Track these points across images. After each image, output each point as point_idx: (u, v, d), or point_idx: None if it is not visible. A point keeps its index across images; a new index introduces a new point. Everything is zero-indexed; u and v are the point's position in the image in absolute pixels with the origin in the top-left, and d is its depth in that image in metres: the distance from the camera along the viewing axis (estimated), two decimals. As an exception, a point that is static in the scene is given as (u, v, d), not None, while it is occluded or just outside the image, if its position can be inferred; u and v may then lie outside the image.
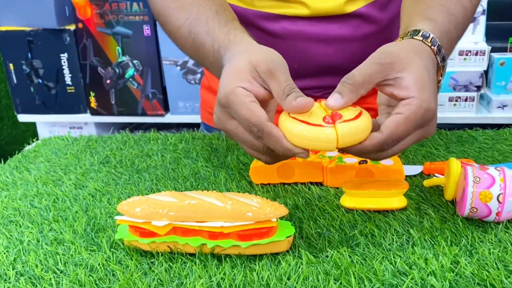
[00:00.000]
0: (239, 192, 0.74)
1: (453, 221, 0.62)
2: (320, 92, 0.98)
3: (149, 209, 0.58)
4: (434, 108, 0.58)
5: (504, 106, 1.86)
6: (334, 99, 0.57)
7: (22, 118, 2.16)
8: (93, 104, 2.05)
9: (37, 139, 1.07)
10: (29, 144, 1.06)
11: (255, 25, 0.90)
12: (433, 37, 0.62)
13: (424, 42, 0.62)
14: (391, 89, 0.58)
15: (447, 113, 1.90)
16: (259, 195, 0.72)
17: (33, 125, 2.35)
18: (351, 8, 0.85)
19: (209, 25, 0.69)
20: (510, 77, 1.84)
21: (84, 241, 0.62)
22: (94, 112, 2.07)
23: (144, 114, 2.04)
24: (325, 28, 0.87)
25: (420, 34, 0.62)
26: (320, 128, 0.55)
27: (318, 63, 0.91)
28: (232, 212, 0.56)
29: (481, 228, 0.60)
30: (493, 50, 1.84)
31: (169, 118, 2.04)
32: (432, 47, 0.62)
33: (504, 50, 1.89)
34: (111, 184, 0.79)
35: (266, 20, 0.88)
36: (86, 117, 2.10)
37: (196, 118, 1.97)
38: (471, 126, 1.87)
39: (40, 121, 2.20)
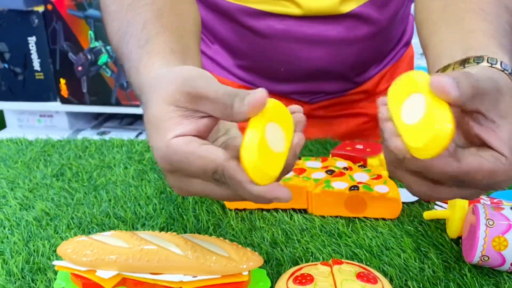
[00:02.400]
0: (209, 220, 0.63)
1: (459, 269, 0.53)
2: (308, 97, 0.88)
3: (94, 255, 0.47)
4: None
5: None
6: (450, 84, 0.39)
7: (-12, 105, 2.03)
8: (64, 92, 1.92)
9: (5, 127, 0.95)
10: None
11: (238, 22, 0.79)
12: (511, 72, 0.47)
13: (510, 78, 0.46)
14: (480, 130, 0.43)
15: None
16: (232, 225, 0.62)
17: (0, 113, 2.22)
18: (346, 8, 0.75)
19: (129, 47, 0.54)
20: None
21: (18, 287, 0.52)
22: (65, 101, 1.94)
23: (118, 104, 1.91)
24: (317, 28, 0.76)
25: (498, 65, 0.47)
26: None
27: (307, 67, 0.80)
28: (195, 262, 0.46)
29: (492, 279, 0.51)
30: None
31: (145, 109, 1.92)
32: None
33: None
34: (61, 205, 0.68)
35: (250, 17, 0.77)
36: (56, 105, 1.98)
37: (173, 110, 1.86)
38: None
39: (8, 109, 2.07)
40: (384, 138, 0.43)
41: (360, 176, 0.65)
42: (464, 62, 0.48)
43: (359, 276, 0.46)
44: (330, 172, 0.66)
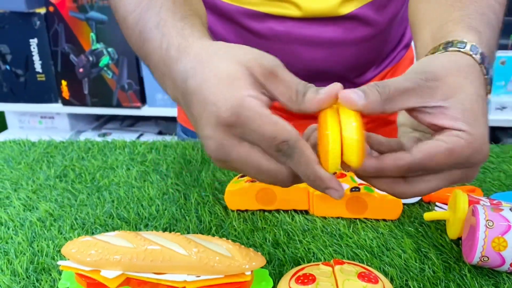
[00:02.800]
0: (212, 220, 0.64)
1: (459, 269, 0.53)
2: (309, 98, 0.88)
3: (99, 255, 0.48)
4: (486, 151, 0.45)
5: (503, 107, 1.76)
6: (356, 94, 0.42)
7: (-11, 106, 2.03)
8: (65, 93, 1.92)
9: (6, 129, 0.96)
10: None
11: (238, 23, 0.80)
12: (482, 52, 0.49)
13: (474, 59, 0.48)
14: (430, 118, 0.45)
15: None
16: (234, 225, 0.62)
17: (2, 113, 2.22)
18: (346, 9, 0.75)
19: (161, 16, 0.52)
20: (510, 77, 1.75)
21: (22, 287, 0.52)
22: (66, 103, 1.94)
23: (119, 105, 1.91)
24: (317, 30, 0.77)
25: (468, 47, 0.48)
26: None
27: (307, 68, 0.81)
28: (198, 262, 0.46)
29: (492, 280, 0.52)
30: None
31: (146, 111, 1.92)
32: (481, 64, 0.49)
33: (505, 47, 1.79)
34: (65, 206, 0.69)
35: (250, 19, 0.78)
36: (58, 107, 1.98)
37: (174, 112, 1.86)
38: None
39: (9, 110, 2.07)
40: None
41: None
42: (434, 50, 0.50)
43: (361, 276, 0.46)
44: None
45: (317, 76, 0.84)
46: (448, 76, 0.45)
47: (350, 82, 0.88)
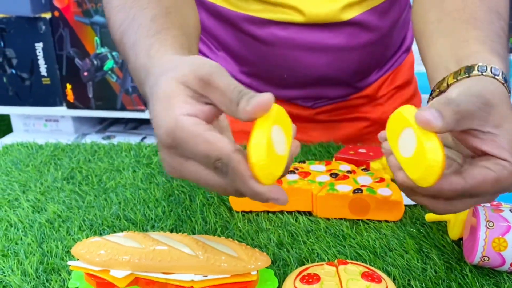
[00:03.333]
0: (217, 222, 0.65)
1: (460, 269, 0.54)
2: (311, 102, 0.90)
3: (108, 255, 0.49)
4: None
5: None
6: (433, 116, 0.42)
7: (-5, 109, 2.05)
8: (70, 97, 1.94)
9: (12, 131, 0.97)
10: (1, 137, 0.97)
11: (242, 30, 0.81)
12: (507, 80, 0.50)
13: (505, 87, 0.49)
14: (479, 143, 0.46)
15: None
16: (239, 226, 0.64)
17: (7, 116, 2.24)
18: (348, 15, 0.77)
19: (136, 36, 0.55)
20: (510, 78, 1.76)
21: (33, 287, 0.53)
22: (70, 106, 1.96)
23: (123, 109, 1.93)
24: (319, 36, 0.78)
25: (500, 75, 0.49)
26: None
27: (309, 73, 0.82)
28: (205, 262, 0.48)
29: (493, 280, 0.53)
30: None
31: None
32: (510, 93, 0.50)
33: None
34: (73, 207, 0.70)
35: (253, 25, 0.79)
36: (62, 110, 1.99)
37: (178, 114, 1.87)
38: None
39: (14, 113, 2.09)
40: (392, 171, 0.47)
41: (364, 179, 0.67)
42: (456, 74, 0.51)
43: (364, 275, 0.48)
44: (334, 175, 0.68)
45: (319, 81, 0.85)
46: (500, 104, 0.46)
47: (352, 86, 0.90)
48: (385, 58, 0.92)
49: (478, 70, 0.49)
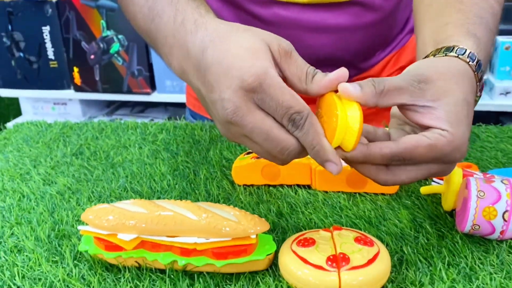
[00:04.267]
0: (220, 194, 0.68)
1: (452, 237, 0.57)
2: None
3: (116, 220, 0.52)
4: (464, 150, 0.50)
5: (507, 93, 1.78)
6: (353, 87, 0.47)
7: (4, 93, 2.07)
8: (77, 80, 1.97)
9: (21, 115, 1.00)
10: (11, 120, 1.00)
11: (244, 9, 0.82)
12: (479, 61, 0.53)
13: (470, 66, 0.52)
14: (417, 117, 0.49)
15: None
16: (241, 198, 0.66)
17: (16, 99, 2.27)
18: None
19: None
20: (515, 62, 1.77)
21: (46, 250, 0.56)
22: (78, 89, 1.99)
23: (129, 92, 1.96)
24: (322, 16, 0.80)
25: (466, 54, 0.52)
26: (319, 272, 0.47)
27: (313, 54, 0.84)
28: (207, 226, 0.50)
29: (482, 247, 0.55)
30: (499, 33, 1.76)
31: (156, 97, 1.96)
32: (476, 73, 0.53)
33: (510, 33, 1.80)
34: (82, 181, 0.73)
35: (256, 5, 0.81)
36: (70, 93, 2.02)
37: (183, 98, 1.90)
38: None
39: (23, 96, 2.12)
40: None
41: None
42: (435, 53, 0.54)
43: (357, 239, 0.50)
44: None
45: (323, 61, 0.87)
46: (440, 80, 0.49)
47: (356, 67, 0.91)
48: (389, 38, 0.93)
49: (442, 52, 0.53)
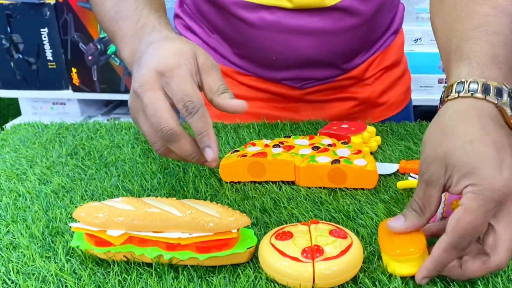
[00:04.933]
0: (207, 191, 0.71)
1: (424, 229, 0.60)
2: (300, 83, 0.94)
3: (105, 217, 0.55)
4: (502, 181, 0.46)
5: None
6: (396, 220, 0.53)
7: (4, 93, 2.11)
8: (76, 80, 2.00)
9: (20, 115, 1.03)
10: (10, 119, 1.03)
11: (232, 13, 0.86)
12: (472, 81, 0.50)
13: (464, 97, 0.51)
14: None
15: (436, 95, 1.87)
16: (227, 195, 0.69)
17: (16, 99, 2.31)
18: (332, 1, 0.81)
19: (138, 4, 0.67)
20: None
21: (39, 247, 0.60)
22: (76, 89, 2.02)
23: (127, 91, 1.99)
24: (306, 20, 0.83)
25: (465, 89, 0.51)
26: (295, 263, 0.50)
27: (298, 56, 0.87)
28: (191, 222, 0.53)
29: (452, 238, 0.58)
30: None
31: (152, 96, 2.00)
32: (485, 96, 0.49)
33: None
34: (76, 180, 0.76)
35: (242, 9, 0.84)
36: (68, 93, 2.06)
37: (180, 96, 1.93)
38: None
39: (22, 97, 2.15)
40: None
41: (342, 151, 0.72)
42: (447, 91, 0.54)
43: (331, 232, 0.53)
44: (316, 148, 0.74)
45: (307, 63, 0.90)
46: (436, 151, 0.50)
47: (339, 68, 0.94)
48: (371, 41, 0.96)
49: (468, 91, 0.51)
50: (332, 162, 0.69)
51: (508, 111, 0.50)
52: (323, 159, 0.70)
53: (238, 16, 0.85)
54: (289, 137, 0.79)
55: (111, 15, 0.69)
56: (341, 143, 0.76)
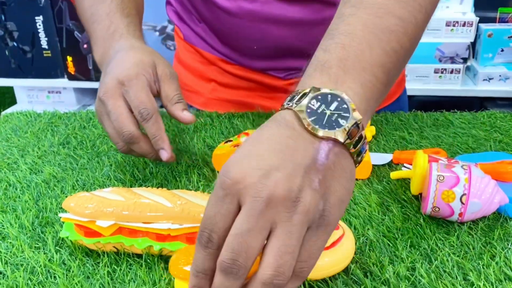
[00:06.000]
0: (200, 181, 0.71)
1: (416, 220, 0.59)
2: (283, 73, 0.94)
3: (94, 208, 0.54)
4: (240, 177, 0.38)
5: (490, 79, 1.82)
6: None
7: (-1, 82, 2.10)
8: (71, 69, 1.99)
9: (16, 103, 1.02)
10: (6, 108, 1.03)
11: (213, 2, 0.85)
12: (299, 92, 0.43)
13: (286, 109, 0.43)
14: None
15: (432, 85, 1.86)
16: (219, 185, 0.69)
17: (11, 88, 2.29)
18: None
19: (111, 8, 0.72)
20: (497, 49, 1.80)
21: (29, 238, 0.59)
22: (72, 77, 2.01)
23: (123, 80, 1.98)
24: (285, 10, 0.82)
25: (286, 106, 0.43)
26: None
27: (278, 45, 0.86)
28: (181, 213, 0.53)
29: (444, 229, 0.58)
30: (481, 20, 1.78)
31: (148, 85, 1.99)
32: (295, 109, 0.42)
33: (492, 20, 1.84)
34: (67, 169, 0.75)
35: None
36: (64, 82, 2.05)
37: (176, 85, 1.92)
38: (455, 99, 1.83)
39: (18, 85, 2.14)
40: None
41: None
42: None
43: None
44: None
45: (288, 53, 0.89)
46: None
47: None
48: None
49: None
50: None
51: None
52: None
53: (218, 5, 0.85)
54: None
55: (88, 16, 0.75)
56: None
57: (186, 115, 0.67)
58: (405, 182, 0.68)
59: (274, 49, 0.88)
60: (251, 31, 0.85)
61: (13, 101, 2.34)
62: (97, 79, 2.00)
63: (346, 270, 0.51)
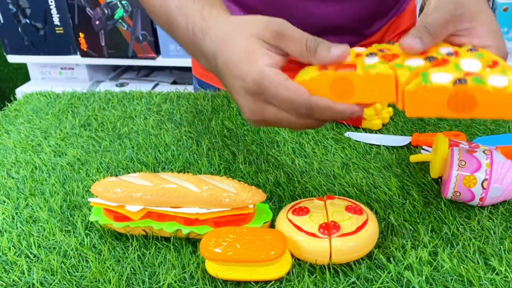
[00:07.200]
0: (221, 164, 0.72)
1: (437, 204, 0.60)
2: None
3: (123, 193, 0.56)
4: (507, 56, 0.54)
5: (506, 53, 1.80)
6: (415, 42, 0.50)
7: (12, 59, 2.10)
8: (83, 45, 1.99)
9: (29, 79, 1.03)
10: (21, 84, 1.04)
11: None
12: None
13: None
14: (463, 39, 0.54)
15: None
16: (241, 168, 0.70)
17: (24, 65, 2.30)
18: None
19: (181, 1, 0.60)
20: (513, 23, 1.78)
21: (59, 221, 0.61)
22: (84, 54, 2.01)
23: (135, 56, 1.98)
24: None
25: None
26: (312, 238, 0.51)
27: (320, 23, 0.87)
28: (208, 198, 0.54)
29: (465, 213, 0.59)
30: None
31: (160, 61, 1.98)
32: None
33: (508, -5, 1.81)
34: (90, 152, 0.77)
35: None
36: (77, 58, 2.05)
37: (188, 62, 1.92)
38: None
39: (31, 62, 2.15)
40: None
41: (470, 63, 0.49)
42: None
43: (348, 208, 0.54)
44: (431, 59, 0.50)
45: (329, 30, 0.90)
46: (470, 4, 0.54)
47: (359, 34, 0.94)
48: (388, 5, 0.97)
49: None
50: (455, 83, 0.46)
51: None
52: (441, 77, 0.47)
53: None
54: (393, 43, 0.56)
55: (164, 19, 0.63)
56: (467, 50, 0.52)
57: (335, 53, 0.50)
58: (424, 166, 0.69)
59: (315, 26, 0.88)
60: (293, 9, 0.85)
61: (25, 77, 2.35)
62: (110, 55, 2.00)
63: (369, 255, 0.53)
